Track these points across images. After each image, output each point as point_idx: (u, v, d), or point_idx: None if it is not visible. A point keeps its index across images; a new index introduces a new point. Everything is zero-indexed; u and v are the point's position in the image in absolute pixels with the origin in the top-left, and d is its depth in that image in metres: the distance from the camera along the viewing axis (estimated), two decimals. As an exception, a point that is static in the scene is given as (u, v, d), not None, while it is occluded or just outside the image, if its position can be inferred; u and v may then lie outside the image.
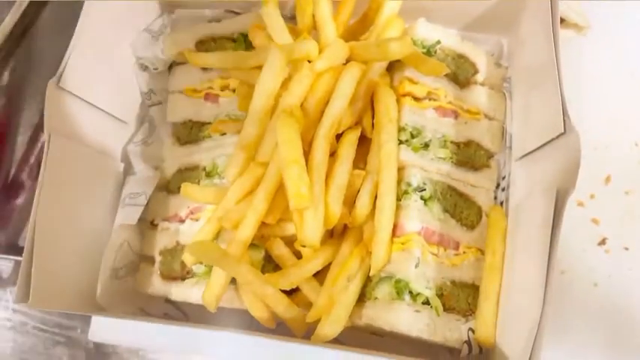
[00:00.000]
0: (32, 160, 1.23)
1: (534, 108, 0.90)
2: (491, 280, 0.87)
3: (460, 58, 0.94)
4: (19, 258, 1.14)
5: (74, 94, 0.92)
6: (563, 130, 0.79)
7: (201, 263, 0.87)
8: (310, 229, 0.76)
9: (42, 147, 0.85)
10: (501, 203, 0.97)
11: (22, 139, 1.25)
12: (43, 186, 0.84)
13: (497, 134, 0.96)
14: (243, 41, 0.98)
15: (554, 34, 0.85)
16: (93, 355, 1.12)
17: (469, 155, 0.92)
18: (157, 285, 0.94)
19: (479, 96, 0.95)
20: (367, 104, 0.89)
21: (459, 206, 0.90)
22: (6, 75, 1.26)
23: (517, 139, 0.95)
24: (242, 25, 0.99)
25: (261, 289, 0.81)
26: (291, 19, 1.01)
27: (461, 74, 0.94)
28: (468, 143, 0.93)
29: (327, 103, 0.84)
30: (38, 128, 1.24)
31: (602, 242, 0.99)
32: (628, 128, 1.04)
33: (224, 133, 0.94)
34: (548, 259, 0.74)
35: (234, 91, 0.96)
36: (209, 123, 0.97)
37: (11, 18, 1.24)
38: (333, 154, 0.86)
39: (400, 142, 0.86)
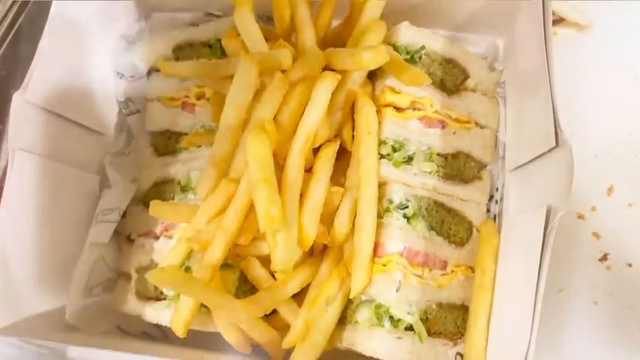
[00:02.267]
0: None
1: (527, 117, 0.84)
2: (481, 301, 0.82)
3: (448, 63, 0.88)
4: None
5: (42, 107, 0.88)
6: (555, 144, 0.73)
7: (171, 285, 0.83)
8: (282, 252, 0.71)
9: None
10: (495, 216, 0.91)
11: (6, 147, 1.21)
12: (9, 207, 0.81)
13: (489, 143, 0.90)
14: (218, 47, 0.93)
15: (545, 37, 0.79)
16: (79, 368, 1.09)
17: (458, 167, 0.86)
18: (132, 304, 0.90)
19: (469, 103, 0.89)
20: (347, 115, 0.84)
21: (446, 222, 0.84)
22: (4, 46, 1.22)
23: (510, 149, 0.89)
24: (218, 31, 0.94)
25: (233, 315, 0.76)
26: (269, 19, 0.96)
27: (449, 80, 0.88)
28: (457, 155, 0.87)
29: (301, 115, 0.79)
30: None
31: (604, 258, 0.93)
32: (632, 134, 0.97)
33: (199, 145, 0.90)
34: (536, 283, 0.68)
35: (208, 100, 0.91)
36: (185, 134, 0.93)
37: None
38: (309, 170, 0.81)
39: (381, 157, 0.81)
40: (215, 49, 0.94)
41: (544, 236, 0.71)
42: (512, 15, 0.92)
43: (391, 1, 0.87)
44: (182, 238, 0.80)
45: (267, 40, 0.89)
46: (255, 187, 0.71)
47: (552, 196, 0.72)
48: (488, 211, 0.91)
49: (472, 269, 0.86)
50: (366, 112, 0.79)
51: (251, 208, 0.77)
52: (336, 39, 0.93)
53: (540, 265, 0.70)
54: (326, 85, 0.76)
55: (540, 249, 0.70)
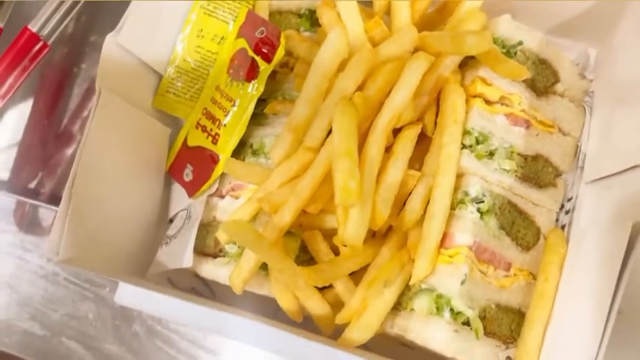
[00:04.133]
0: (85, 113, 1.22)
1: (617, 129, 0.81)
2: (539, 308, 0.80)
3: (542, 64, 0.86)
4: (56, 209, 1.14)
5: (130, 51, 0.90)
6: (646, 159, 0.70)
7: (234, 243, 0.84)
8: (354, 227, 0.71)
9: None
10: (563, 227, 0.89)
11: (78, 91, 1.24)
12: (88, 141, 0.82)
13: (569, 152, 0.88)
14: (309, 18, 0.93)
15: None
16: (118, 316, 1.12)
17: (536, 170, 0.84)
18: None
19: (556, 107, 0.87)
20: (432, 100, 0.82)
21: (516, 224, 0.82)
22: (71, 24, 1.24)
23: (591, 160, 0.86)
24: (310, 1, 0.93)
25: (292, 280, 0.76)
26: (366, 2, 0.95)
27: (540, 81, 0.86)
28: (537, 157, 0.85)
29: (388, 93, 0.78)
30: (95, 81, 1.22)
31: (672, 286, 0.89)
32: None
33: (278, 113, 0.90)
34: (611, 299, 0.66)
35: (292, 69, 0.91)
36: (263, 100, 0.92)
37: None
38: (388, 149, 0.80)
39: (463, 147, 0.80)
40: (305, 19, 0.94)
41: (626, 252, 0.68)
42: (609, 25, 0.90)
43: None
44: (253, 199, 0.81)
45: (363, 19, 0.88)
46: (337, 158, 0.71)
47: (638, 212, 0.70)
48: (557, 220, 0.88)
49: (534, 276, 0.84)
50: (454, 99, 0.78)
51: (325, 179, 0.77)
52: (428, 24, 0.92)
53: (617, 284, 0.68)
54: (418, 66, 0.75)
55: (619, 266, 0.68)
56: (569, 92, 0.89)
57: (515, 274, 0.83)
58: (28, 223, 1.22)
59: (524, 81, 0.84)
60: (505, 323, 0.80)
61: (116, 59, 0.87)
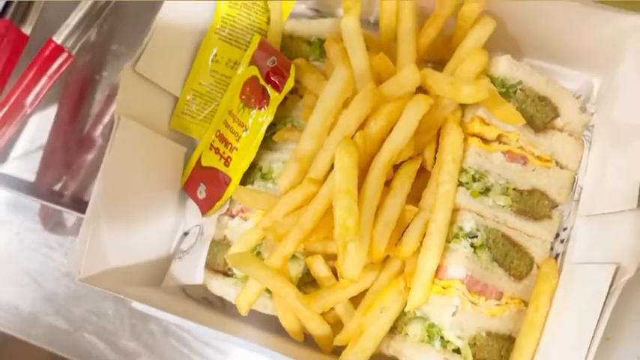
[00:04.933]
0: (106, 119, 1.28)
1: (611, 169, 0.84)
2: (529, 336, 0.84)
3: (541, 101, 0.88)
4: (81, 215, 1.21)
5: (149, 79, 0.94)
6: (636, 205, 0.74)
7: (242, 267, 0.89)
8: (351, 262, 0.76)
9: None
10: (557, 255, 0.92)
11: (100, 97, 1.29)
12: (107, 164, 0.88)
13: (566, 185, 0.91)
14: (318, 47, 0.96)
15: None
16: (135, 314, 1.19)
17: (531, 204, 0.88)
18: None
19: (554, 142, 0.90)
20: (432, 137, 0.86)
21: (509, 256, 0.86)
22: (93, 33, 1.29)
23: (587, 194, 0.89)
24: (320, 30, 0.97)
25: (294, 305, 0.82)
26: (375, 25, 0.98)
27: (538, 118, 0.88)
28: (533, 191, 0.88)
29: (389, 131, 0.82)
30: (116, 88, 1.27)
31: (659, 316, 0.93)
32: None
33: (287, 140, 0.94)
34: (591, 337, 0.70)
35: (301, 96, 0.95)
36: (273, 124, 0.97)
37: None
38: (388, 183, 0.84)
39: (460, 184, 0.83)
40: (314, 47, 0.97)
41: (607, 293, 0.72)
42: (614, 57, 0.91)
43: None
44: (259, 225, 0.86)
45: (368, 48, 0.91)
46: (338, 195, 0.75)
47: (623, 256, 0.74)
48: (551, 249, 0.92)
49: (525, 303, 0.88)
50: (453, 139, 0.81)
51: (327, 211, 0.82)
52: (434, 53, 0.95)
53: (599, 321, 0.72)
54: (418, 108, 0.78)
55: (602, 304, 0.72)
56: (569, 126, 0.92)
57: (506, 303, 0.87)
58: (53, 223, 1.29)
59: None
60: (495, 349, 0.85)
61: (134, 86, 0.92)
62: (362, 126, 0.83)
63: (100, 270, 0.90)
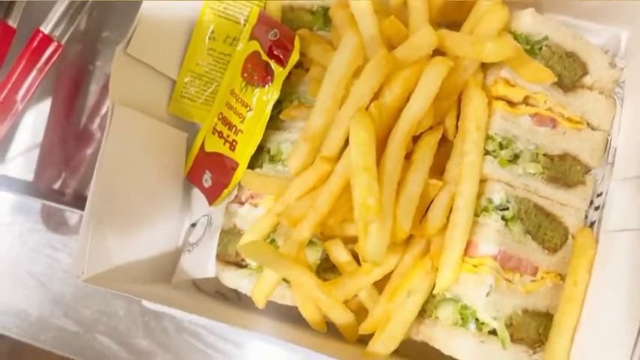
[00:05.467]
0: (103, 110, 1.22)
1: (649, 128, 0.77)
2: (568, 313, 0.78)
3: (569, 57, 0.81)
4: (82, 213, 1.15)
5: (140, 61, 0.88)
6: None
7: (255, 256, 0.83)
8: (374, 244, 0.70)
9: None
10: (592, 223, 0.86)
11: (94, 88, 1.24)
12: (104, 156, 0.82)
13: (599, 147, 0.84)
14: (322, 15, 0.89)
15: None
16: (147, 312, 1.14)
17: (563, 170, 0.81)
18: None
19: (584, 102, 0.83)
20: (453, 103, 0.79)
21: (542, 227, 0.80)
22: (83, 21, 1.22)
23: (622, 156, 0.82)
24: (324, -2, 0.90)
25: (314, 294, 0.76)
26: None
27: (567, 76, 0.81)
28: (564, 156, 0.81)
29: (406, 100, 0.75)
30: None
31: None
32: None
33: (295, 118, 0.88)
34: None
35: (307, 70, 0.89)
36: (279, 101, 0.90)
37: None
38: (408, 156, 0.78)
39: (486, 153, 0.77)
40: (317, 16, 0.90)
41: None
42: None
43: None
44: (271, 211, 0.80)
45: (375, 11, 0.85)
46: (355, 173, 0.69)
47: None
48: (585, 217, 0.86)
49: (562, 277, 0.82)
50: (476, 105, 0.75)
51: (343, 191, 0.76)
52: (448, 15, 0.88)
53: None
54: (436, 72, 0.72)
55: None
56: (599, 84, 0.85)
57: (542, 278, 0.81)
58: (55, 223, 1.24)
59: (549, 78, 0.79)
60: (532, 328, 0.79)
61: (127, 70, 0.86)
62: (376, 96, 0.77)
63: (104, 268, 0.84)
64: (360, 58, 0.75)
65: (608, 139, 0.85)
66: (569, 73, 0.82)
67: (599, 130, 0.85)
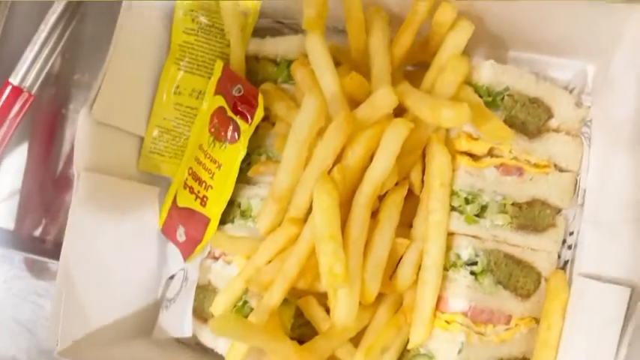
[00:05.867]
0: (79, 154, 1.21)
1: (615, 171, 0.77)
2: (543, 358, 0.78)
3: (532, 104, 0.81)
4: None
5: (104, 123, 0.87)
6: (647, 218, 0.67)
7: (229, 317, 0.83)
8: (344, 310, 0.70)
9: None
10: (565, 262, 0.86)
11: (70, 132, 1.23)
12: (72, 226, 0.82)
13: (568, 189, 0.84)
14: (285, 67, 0.89)
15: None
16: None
17: (532, 217, 0.81)
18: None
19: (551, 145, 0.83)
20: (418, 158, 0.79)
21: (514, 275, 0.80)
22: (57, 63, 1.22)
23: (591, 198, 0.82)
24: (286, 49, 0.89)
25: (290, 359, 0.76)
26: (345, 32, 0.90)
27: (531, 123, 0.81)
28: (532, 202, 0.81)
29: (369, 160, 0.75)
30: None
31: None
32: None
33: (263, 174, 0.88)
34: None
35: (273, 124, 0.88)
36: (248, 154, 0.90)
37: (58, 4, 1.17)
38: (374, 214, 0.77)
39: (452, 209, 0.77)
40: (282, 68, 0.89)
41: (625, 318, 0.66)
42: (608, 43, 0.83)
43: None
44: (241, 275, 0.80)
45: (338, 62, 0.84)
46: (320, 241, 0.69)
47: (637, 275, 0.67)
48: (558, 256, 0.86)
49: (536, 320, 0.82)
50: (439, 162, 0.74)
51: (311, 254, 0.76)
52: (412, 57, 0.87)
53: (618, 346, 0.66)
54: (398, 134, 0.71)
55: (620, 331, 0.66)
56: (565, 125, 0.84)
57: (516, 325, 0.81)
58: (39, 270, 1.24)
59: (513, 126, 0.79)
60: (509, 375, 0.79)
61: (93, 134, 0.86)
62: (340, 156, 0.76)
63: (82, 334, 0.84)
64: (322, 118, 0.75)
65: (577, 180, 0.85)
66: (534, 119, 0.81)
67: (567, 171, 0.84)
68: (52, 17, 1.12)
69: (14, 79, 1.11)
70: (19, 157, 1.22)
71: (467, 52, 0.82)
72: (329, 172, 0.75)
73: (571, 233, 0.86)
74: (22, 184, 1.22)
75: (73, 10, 1.13)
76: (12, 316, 1.21)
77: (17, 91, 1.11)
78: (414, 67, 0.93)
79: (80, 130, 0.84)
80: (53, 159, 1.23)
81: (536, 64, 0.91)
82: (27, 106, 1.13)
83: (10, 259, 1.23)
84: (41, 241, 1.23)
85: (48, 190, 1.23)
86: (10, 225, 1.23)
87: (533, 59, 0.92)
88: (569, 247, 0.86)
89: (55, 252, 1.21)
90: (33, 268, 1.24)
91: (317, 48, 0.78)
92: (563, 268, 0.86)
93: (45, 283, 1.23)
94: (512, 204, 0.79)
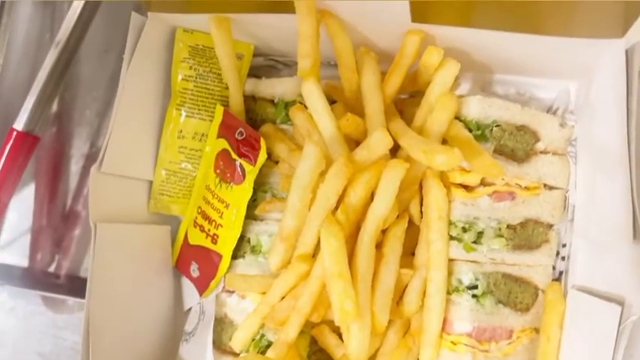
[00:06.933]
0: (86, 190, 1.25)
1: (599, 193, 0.82)
2: (545, 368, 0.84)
3: (519, 131, 0.86)
4: (81, 300, 1.20)
5: (115, 174, 0.92)
6: (631, 237, 0.72)
7: (247, 351, 0.88)
8: (357, 344, 0.75)
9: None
10: (560, 273, 0.91)
11: (75, 169, 1.27)
12: (94, 276, 0.86)
13: (558, 205, 0.89)
14: (283, 108, 0.93)
15: (628, 111, 0.76)
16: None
17: (526, 236, 0.86)
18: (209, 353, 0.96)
19: (540, 167, 0.88)
20: (415, 192, 0.84)
21: (513, 292, 0.85)
22: (55, 103, 1.25)
23: (580, 214, 0.88)
24: (283, 90, 0.93)
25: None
26: (334, 65, 0.94)
27: (520, 149, 0.86)
28: (525, 223, 0.86)
29: (370, 198, 0.80)
30: (90, 158, 1.25)
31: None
32: None
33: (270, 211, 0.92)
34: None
35: (277, 162, 0.92)
36: (253, 190, 0.94)
37: (56, 49, 1.19)
38: (378, 246, 0.82)
39: (451, 238, 0.82)
40: (279, 109, 0.93)
41: (617, 332, 0.72)
42: (587, 67, 0.87)
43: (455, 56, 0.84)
44: (257, 313, 0.85)
45: (332, 100, 0.89)
46: (330, 281, 0.74)
47: (626, 291, 0.73)
48: (553, 267, 0.91)
49: (536, 331, 0.88)
50: (435, 195, 0.79)
51: (322, 289, 0.81)
52: (403, 90, 0.91)
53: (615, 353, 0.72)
54: (395, 175, 0.76)
55: (614, 344, 0.72)
56: (552, 146, 0.89)
57: (518, 337, 0.86)
58: (55, 304, 1.28)
59: (503, 154, 0.84)
60: (514, 385, 0.85)
61: (104, 187, 0.90)
62: (342, 195, 0.81)
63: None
64: (322, 163, 0.79)
65: (566, 196, 0.90)
66: (522, 145, 0.86)
67: (556, 189, 0.89)
68: (49, 62, 1.15)
69: (18, 126, 1.14)
70: (27, 196, 1.26)
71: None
72: (333, 211, 0.79)
73: (564, 245, 0.91)
74: (32, 221, 1.26)
75: (69, 55, 1.16)
76: (35, 351, 1.25)
77: (22, 136, 1.14)
78: (406, 95, 0.97)
79: (92, 185, 0.88)
80: (60, 196, 1.27)
81: (520, 86, 0.96)
82: (34, 148, 1.17)
83: (27, 296, 1.27)
84: (55, 276, 1.27)
85: (58, 226, 1.27)
86: (24, 262, 1.27)
87: (517, 81, 0.97)
88: (563, 259, 0.91)
89: (70, 287, 1.27)
90: (49, 303, 1.28)
91: (313, 93, 0.82)
92: (559, 278, 0.91)
93: (63, 315, 1.27)
94: (507, 227, 0.84)
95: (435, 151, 0.72)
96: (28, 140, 1.15)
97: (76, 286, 1.25)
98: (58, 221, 1.27)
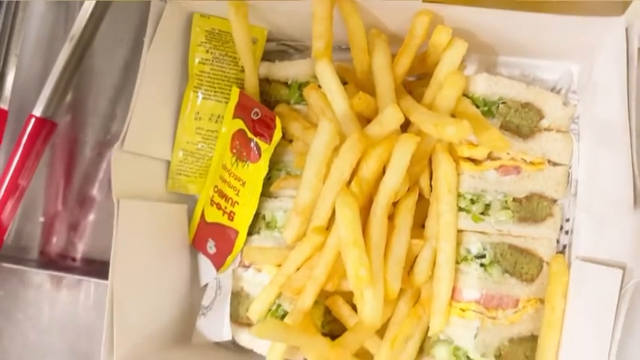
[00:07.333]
0: (101, 175, 1.29)
1: (602, 167, 0.85)
2: (549, 336, 0.87)
3: (524, 108, 0.89)
4: (98, 280, 1.24)
5: (136, 153, 0.95)
6: (633, 207, 0.76)
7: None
8: (371, 309, 0.79)
9: (109, 162, 0.91)
10: (564, 246, 0.95)
11: (89, 155, 1.30)
12: (117, 253, 0.90)
13: (562, 180, 0.93)
14: (297, 89, 0.97)
15: (628, 88, 0.80)
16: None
17: (531, 209, 0.90)
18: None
19: (544, 143, 0.91)
20: (425, 166, 0.87)
21: (519, 263, 0.89)
22: (72, 94, 1.29)
23: (583, 189, 0.91)
24: (296, 72, 0.97)
25: (323, 355, 0.85)
26: (346, 49, 0.98)
27: (525, 125, 0.89)
28: (531, 197, 0.90)
29: (382, 171, 0.83)
30: (103, 145, 1.28)
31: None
32: None
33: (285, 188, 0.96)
34: (609, 346, 0.74)
35: (291, 141, 0.96)
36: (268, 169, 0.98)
37: (70, 43, 1.22)
38: (391, 218, 0.86)
39: (460, 209, 0.85)
40: (293, 90, 0.97)
41: (619, 296, 0.75)
42: (589, 46, 0.90)
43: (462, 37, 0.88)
44: (274, 282, 0.88)
45: (345, 81, 0.92)
46: (345, 248, 0.78)
47: (627, 257, 0.76)
48: (557, 241, 0.95)
49: (541, 301, 0.91)
50: (445, 169, 0.83)
51: (337, 258, 0.84)
52: (413, 71, 0.95)
53: (615, 323, 0.75)
54: (406, 149, 0.80)
55: (615, 308, 0.75)
56: (555, 124, 0.93)
57: (523, 307, 0.90)
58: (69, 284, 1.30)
59: (509, 130, 0.88)
60: (520, 352, 0.89)
61: (126, 165, 0.94)
62: (355, 169, 0.84)
63: (132, 345, 0.93)
64: (337, 139, 0.83)
65: (569, 172, 0.94)
66: (527, 121, 0.90)
67: (560, 165, 0.93)
68: (64, 55, 1.18)
69: (37, 111, 1.17)
70: (42, 181, 1.30)
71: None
72: (347, 185, 0.83)
73: (567, 220, 0.95)
74: (45, 207, 1.30)
75: (83, 49, 1.19)
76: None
77: (41, 122, 1.17)
78: (414, 78, 1.01)
79: (115, 163, 0.92)
80: (76, 182, 1.30)
81: (525, 67, 1.00)
82: (52, 134, 1.20)
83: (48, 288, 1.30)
84: (72, 259, 1.31)
85: (73, 211, 1.30)
86: (37, 246, 1.30)
87: (521, 62, 1.00)
88: (567, 233, 0.95)
89: (86, 270, 1.30)
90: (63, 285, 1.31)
91: (327, 73, 0.86)
92: (563, 251, 0.95)
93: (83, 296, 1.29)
94: (513, 200, 0.88)
95: (446, 123, 0.75)
96: (46, 126, 1.18)
97: (91, 270, 1.28)
98: (74, 206, 1.31)
